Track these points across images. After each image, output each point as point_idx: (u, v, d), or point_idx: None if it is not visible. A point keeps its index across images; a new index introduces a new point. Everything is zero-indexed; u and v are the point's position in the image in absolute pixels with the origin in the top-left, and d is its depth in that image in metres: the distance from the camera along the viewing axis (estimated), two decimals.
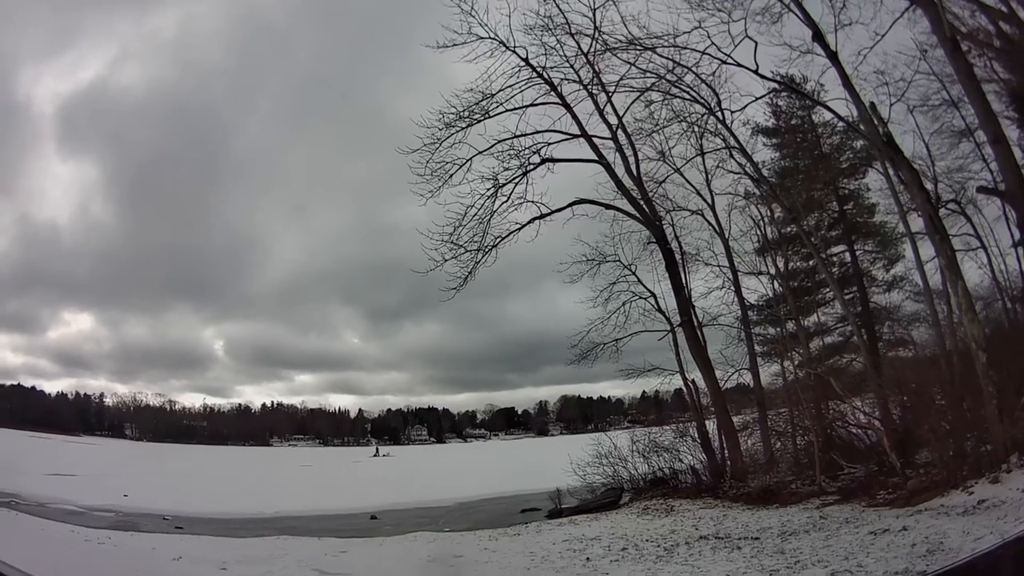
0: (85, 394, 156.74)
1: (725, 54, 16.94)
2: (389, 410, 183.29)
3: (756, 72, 16.81)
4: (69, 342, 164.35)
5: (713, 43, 16.89)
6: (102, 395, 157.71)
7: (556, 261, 19.87)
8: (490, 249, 18.28)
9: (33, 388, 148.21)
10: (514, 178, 18.45)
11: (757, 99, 18.11)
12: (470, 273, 18.11)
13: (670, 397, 26.57)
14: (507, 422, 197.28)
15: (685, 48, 17.47)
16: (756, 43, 16.48)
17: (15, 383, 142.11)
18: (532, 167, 18.80)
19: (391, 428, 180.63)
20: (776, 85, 18.46)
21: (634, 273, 20.06)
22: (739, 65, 16.92)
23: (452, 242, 17.83)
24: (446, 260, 17.79)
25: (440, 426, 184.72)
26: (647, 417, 31.39)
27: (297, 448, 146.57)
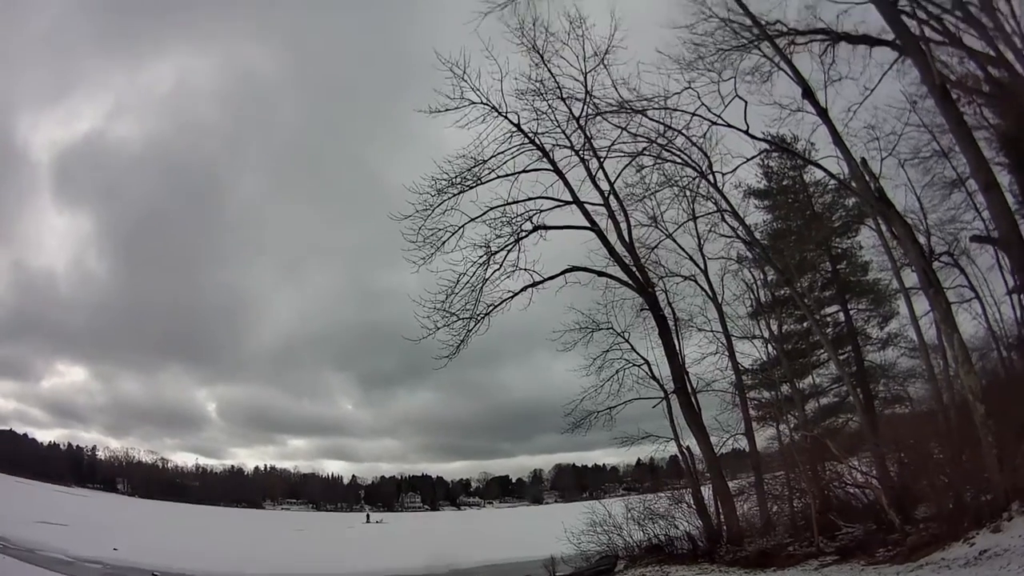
0: (78, 446, 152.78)
1: (715, 115, 16.96)
2: (383, 477, 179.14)
3: (747, 132, 16.72)
4: (62, 393, 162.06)
5: (703, 104, 16.96)
6: (95, 448, 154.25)
7: (549, 329, 19.42)
8: (482, 317, 17.96)
9: (25, 435, 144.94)
10: (507, 245, 18.13)
11: (748, 160, 18.05)
12: (462, 341, 17.81)
13: (665, 463, 26.17)
14: (502, 490, 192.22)
15: (676, 110, 17.46)
16: (746, 102, 16.52)
17: (7, 428, 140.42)
18: (524, 234, 18.36)
19: (384, 495, 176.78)
20: (767, 145, 18.50)
21: (627, 340, 19.83)
22: (729, 126, 16.89)
23: (445, 310, 17.65)
24: (438, 328, 17.61)
25: (434, 493, 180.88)
26: (642, 484, 30.78)
27: (290, 512, 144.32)
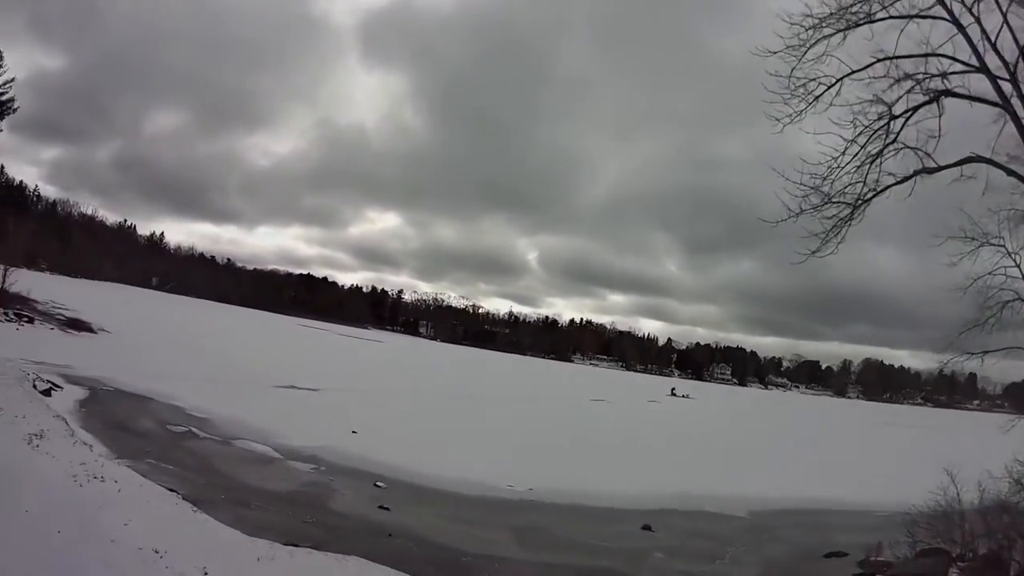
0: (382, 289, 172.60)
1: None
2: (697, 344, 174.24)
3: None
4: (372, 238, 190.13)
5: None
6: (400, 291, 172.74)
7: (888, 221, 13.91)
8: (861, 205, 11.68)
9: (325, 279, 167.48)
10: (903, 113, 12.03)
11: None
12: (836, 234, 12.35)
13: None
14: (809, 375, 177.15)
15: None
16: None
17: (306, 272, 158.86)
18: (926, 99, 11.71)
19: (695, 362, 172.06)
20: None
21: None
22: None
23: (816, 189, 12.17)
24: (802, 211, 12.25)
25: (744, 368, 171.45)
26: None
27: (597, 368, 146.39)
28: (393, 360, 71.90)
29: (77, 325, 40.31)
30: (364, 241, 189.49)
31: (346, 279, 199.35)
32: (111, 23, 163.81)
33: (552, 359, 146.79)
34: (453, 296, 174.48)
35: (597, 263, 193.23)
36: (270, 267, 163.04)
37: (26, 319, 36.45)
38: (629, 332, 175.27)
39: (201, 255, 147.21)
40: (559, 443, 30.68)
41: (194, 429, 21.40)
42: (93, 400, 22.57)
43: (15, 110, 46.07)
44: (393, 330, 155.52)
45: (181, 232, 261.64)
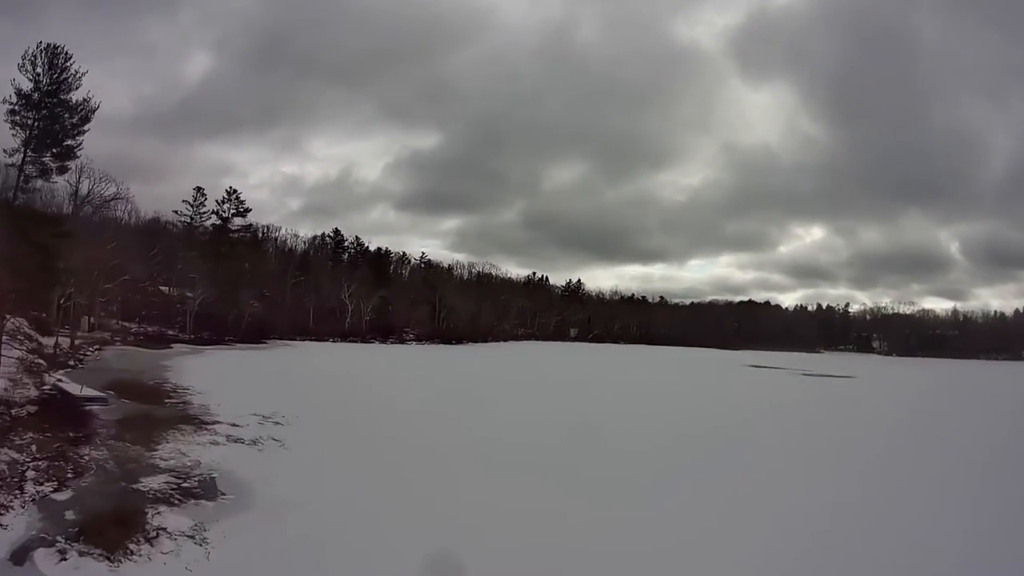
0: (827, 305, 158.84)
1: None
2: None
3: None
4: (803, 254, 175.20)
5: None
6: (847, 305, 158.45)
7: None
8: None
9: (767, 303, 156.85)
10: None
11: None
12: None
13: None
14: None
15: None
16: None
17: (745, 299, 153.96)
18: None
19: None
20: None
21: None
22: None
23: None
24: None
25: None
26: None
27: None
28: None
29: None
30: (796, 258, 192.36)
31: (786, 299, 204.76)
32: (469, 96, 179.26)
33: (1001, 359, 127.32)
34: (890, 302, 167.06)
35: (1016, 243, 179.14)
36: (708, 299, 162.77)
37: None
38: None
39: (631, 297, 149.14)
40: None
41: None
42: None
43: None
44: (845, 349, 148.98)
45: (610, 277, 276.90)
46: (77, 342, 41.95)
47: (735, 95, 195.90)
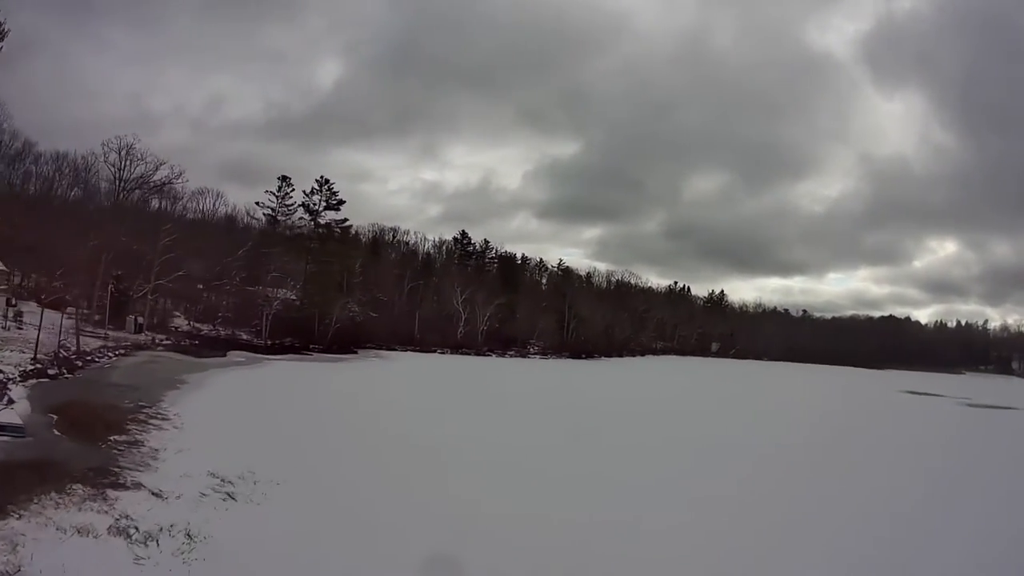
0: (965, 322, 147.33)
1: None
2: None
3: None
4: (936, 269, 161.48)
5: None
6: (985, 323, 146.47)
7: None
8: None
9: (908, 318, 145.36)
10: None
11: None
12: None
13: None
14: None
15: None
16: None
17: (885, 315, 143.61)
18: None
19: None
20: None
21: None
22: None
23: None
24: None
25: None
26: None
27: None
28: None
29: None
30: (930, 273, 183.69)
31: (921, 315, 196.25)
32: (606, 103, 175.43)
33: None
34: (1016, 319, 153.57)
35: None
36: (848, 313, 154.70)
37: None
38: None
39: (774, 310, 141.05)
40: None
41: None
42: None
43: None
44: (985, 370, 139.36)
45: (750, 289, 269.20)
46: (98, 344, 31.84)
47: (869, 104, 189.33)
